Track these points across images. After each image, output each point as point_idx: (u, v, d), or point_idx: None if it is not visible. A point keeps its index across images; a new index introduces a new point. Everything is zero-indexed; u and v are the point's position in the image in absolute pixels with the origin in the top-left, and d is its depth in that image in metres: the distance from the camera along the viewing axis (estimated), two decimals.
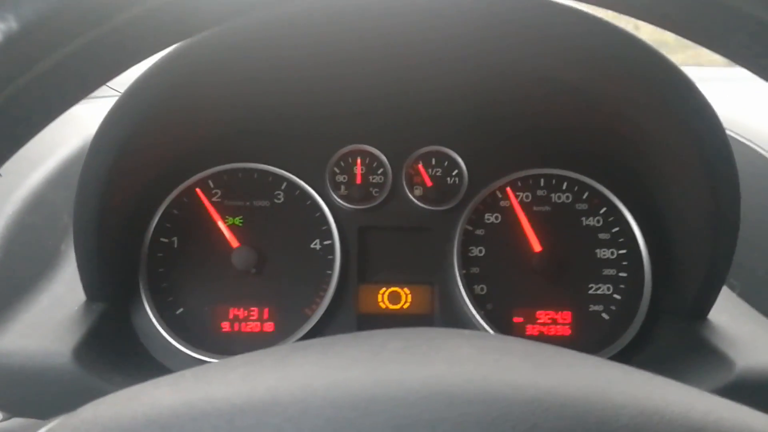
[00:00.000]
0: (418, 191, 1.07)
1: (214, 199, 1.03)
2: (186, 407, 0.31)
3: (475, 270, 1.02)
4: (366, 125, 1.07)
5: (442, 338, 0.39)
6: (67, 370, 0.78)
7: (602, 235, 1.03)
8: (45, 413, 0.41)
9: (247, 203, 1.03)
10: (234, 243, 1.00)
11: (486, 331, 0.97)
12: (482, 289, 1.01)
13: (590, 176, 1.05)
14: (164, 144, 0.95)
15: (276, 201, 1.04)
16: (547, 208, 1.04)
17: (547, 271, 1.01)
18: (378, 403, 0.30)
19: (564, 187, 1.05)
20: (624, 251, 1.02)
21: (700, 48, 0.42)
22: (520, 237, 1.03)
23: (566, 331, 1.00)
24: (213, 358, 0.94)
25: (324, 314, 0.98)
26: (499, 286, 1.02)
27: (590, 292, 1.01)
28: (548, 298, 1.01)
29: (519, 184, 1.05)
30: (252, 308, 0.99)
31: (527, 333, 1.00)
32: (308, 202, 1.04)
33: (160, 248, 1.00)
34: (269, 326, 0.99)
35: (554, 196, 1.05)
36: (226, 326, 0.98)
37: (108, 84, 0.54)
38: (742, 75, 0.55)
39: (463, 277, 1.01)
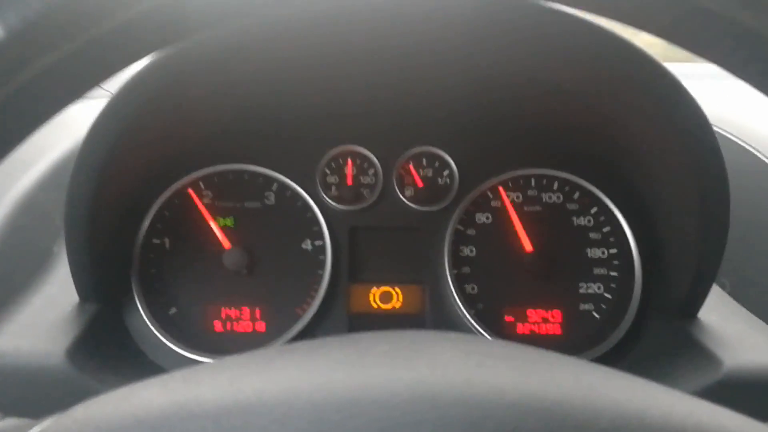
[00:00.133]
0: (409, 192, 1.07)
1: (205, 200, 1.03)
2: (175, 408, 0.32)
3: (466, 270, 1.03)
4: (357, 126, 1.07)
5: (426, 341, 0.39)
6: (61, 370, 0.79)
7: (593, 235, 1.04)
8: (38, 413, 0.41)
9: (239, 204, 1.03)
10: (226, 244, 1.00)
11: (477, 330, 0.98)
12: (473, 288, 1.02)
13: (581, 176, 1.06)
14: (155, 145, 0.95)
15: (267, 202, 1.04)
16: (538, 208, 1.05)
17: (538, 270, 1.02)
18: (361, 405, 0.31)
19: (555, 187, 1.06)
20: (614, 250, 1.03)
21: None
22: (511, 237, 1.03)
23: (557, 330, 1.00)
24: (206, 357, 0.94)
25: (315, 314, 0.99)
26: (490, 286, 1.02)
27: (581, 291, 1.01)
28: (539, 298, 1.01)
29: (510, 184, 1.06)
30: (244, 308, 0.99)
31: (518, 332, 1.00)
32: (299, 203, 1.04)
33: (153, 249, 1.00)
34: (261, 326, 0.99)
35: (545, 196, 1.06)
36: (218, 326, 0.99)
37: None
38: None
39: (454, 277, 1.01)
